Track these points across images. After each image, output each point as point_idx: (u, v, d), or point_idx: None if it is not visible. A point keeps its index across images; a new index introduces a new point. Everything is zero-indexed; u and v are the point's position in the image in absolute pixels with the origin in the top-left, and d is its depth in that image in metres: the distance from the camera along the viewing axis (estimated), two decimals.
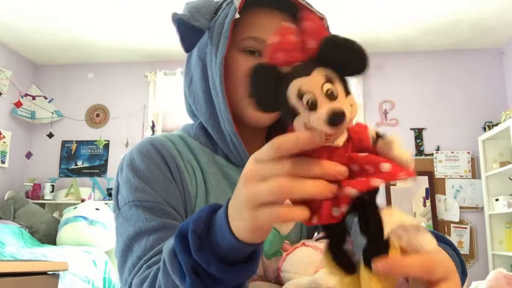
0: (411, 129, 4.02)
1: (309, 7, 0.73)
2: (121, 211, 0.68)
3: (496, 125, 3.59)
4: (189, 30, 0.71)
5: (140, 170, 0.69)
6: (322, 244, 0.62)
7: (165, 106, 4.21)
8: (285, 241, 0.69)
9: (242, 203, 0.39)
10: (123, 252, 0.64)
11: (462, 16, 3.50)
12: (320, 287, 0.52)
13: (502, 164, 3.47)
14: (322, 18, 0.74)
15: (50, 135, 4.21)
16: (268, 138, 0.86)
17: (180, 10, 0.72)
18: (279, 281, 0.61)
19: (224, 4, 0.74)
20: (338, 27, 3.68)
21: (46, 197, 4.09)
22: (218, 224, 0.44)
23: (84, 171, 4.33)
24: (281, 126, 0.82)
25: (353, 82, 4.01)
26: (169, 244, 0.50)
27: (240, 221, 0.40)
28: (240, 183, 0.40)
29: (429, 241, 0.39)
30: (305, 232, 0.80)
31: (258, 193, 0.38)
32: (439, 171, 3.93)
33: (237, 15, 0.70)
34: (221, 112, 0.73)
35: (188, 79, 0.81)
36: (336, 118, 0.35)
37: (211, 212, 0.46)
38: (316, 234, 0.76)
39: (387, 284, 0.39)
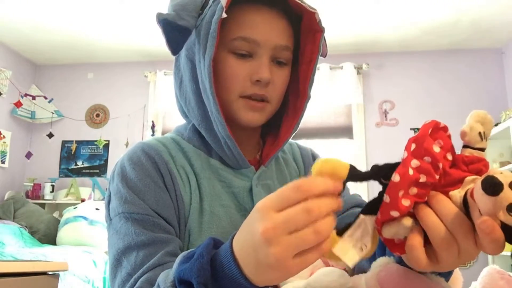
0: (411, 129, 4.01)
1: (300, 1, 0.69)
2: (112, 222, 0.67)
3: (496, 125, 3.59)
4: (175, 31, 0.66)
5: (130, 179, 0.67)
6: None
7: (165, 106, 4.21)
8: None
9: (269, 264, 0.39)
10: (112, 267, 0.63)
11: (462, 16, 3.50)
12: None
13: (502, 164, 3.47)
14: (314, 13, 0.71)
15: (50, 135, 4.21)
16: (263, 137, 0.84)
17: None
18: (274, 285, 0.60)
19: (211, 1, 0.69)
20: (338, 27, 3.68)
21: (46, 197, 4.09)
22: (226, 273, 0.43)
23: (84, 171, 4.33)
24: (274, 125, 0.81)
25: (353, 82, 4.01)
26: (168, 278, 0.49)
27: (264, 275, 0.41)
28: (261, 241, 0.39)
29: None
30: None
31: (289, 254, 0.38)
32: None
33: (224, 15, 0.66)
34: (213, 115, 0.70)
35: (178, 79, 0.78)
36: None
37: (209, 255, 0.46)
38: None
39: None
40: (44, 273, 1.70)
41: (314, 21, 0.72)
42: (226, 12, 0.66)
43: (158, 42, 3.97)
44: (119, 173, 0.69)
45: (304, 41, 0.76)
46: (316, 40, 0.74)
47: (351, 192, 0.84)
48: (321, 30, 0.73)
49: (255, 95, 0.70)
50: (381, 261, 0.53)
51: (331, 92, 4.00)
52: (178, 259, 0.50)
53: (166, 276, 0.50)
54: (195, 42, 0.71)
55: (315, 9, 0.71)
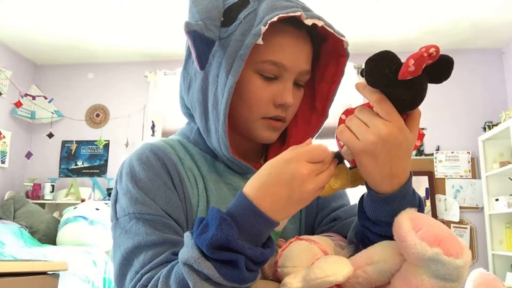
0: None
1: (329, 28, 0.69)
2: (119, 222, 0.66)
3: (496, 125, 3.59)
4: (203, 43, 0.63)
5: (140, 179, 0.66)
6: (316, 237, 0.63)
7: (165, 106, 4.21)
8: (280, 238, 0.70)
9: (300, 199, 0.53)
10: (121, 266, 0.62)
11: (462, 16, 3.50)
12: (317, 275, 0.53)
13: (502, 164, 3.47)
14: (342, 40, 0.71)
15: (50, 135, 4.21)
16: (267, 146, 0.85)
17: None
18: (276, 277, 0.61)
19: (241, 16, 0.66)
20: (338, 27, 3.67)
21: (46, 197, 4.09)
22: (251, 221, 0.52)
23: (84, 171, 4.33)
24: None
25: (353, 82, 4.01)
26: (192, 254, 0.51)
27: (289, 209, 0.54)
28: (300, 181, 0.52)
29: None
30: (303, 232, 0.80)
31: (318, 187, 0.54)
32: (439, 171, 3.93)
33: (260, 41, 0.63)
34: (217, 134, 0.69)
35: (187, 84, 0.76)
36: None
37: (228, 216, 0.52)
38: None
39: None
40: (44, 273, 1.70)
41: (341, 46, 0.73)
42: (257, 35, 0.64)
43: (158, 42, 3.98)
44: (128, 173, 0.68)
45: (326, 61, 0.77)
46: (340, 64, 0.75)
47: (352, 201, 0.86)
48: (346, 55, 0.74)
49: (277, 116, 0.71)
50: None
51: None
52: (187, 236, 0.54)
53: (188, 256, 0.51)
54: (214, 54, 0.68)
55: (344, 36, 0.72)
